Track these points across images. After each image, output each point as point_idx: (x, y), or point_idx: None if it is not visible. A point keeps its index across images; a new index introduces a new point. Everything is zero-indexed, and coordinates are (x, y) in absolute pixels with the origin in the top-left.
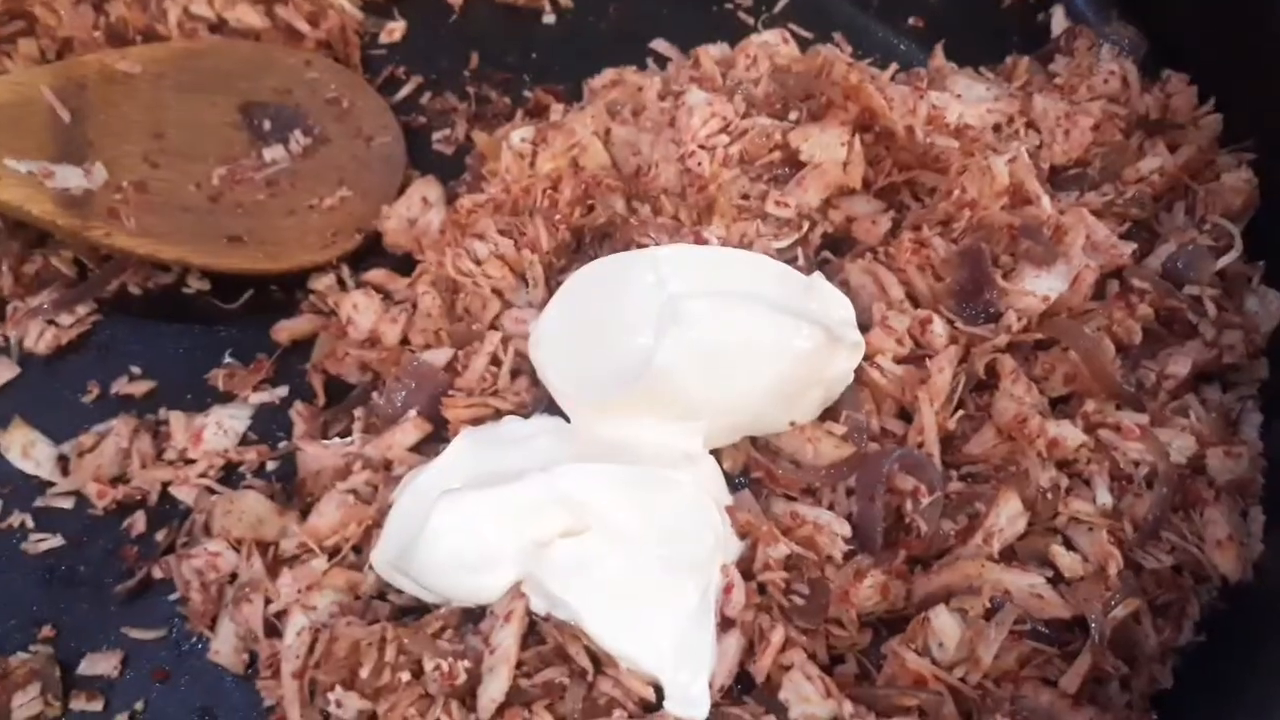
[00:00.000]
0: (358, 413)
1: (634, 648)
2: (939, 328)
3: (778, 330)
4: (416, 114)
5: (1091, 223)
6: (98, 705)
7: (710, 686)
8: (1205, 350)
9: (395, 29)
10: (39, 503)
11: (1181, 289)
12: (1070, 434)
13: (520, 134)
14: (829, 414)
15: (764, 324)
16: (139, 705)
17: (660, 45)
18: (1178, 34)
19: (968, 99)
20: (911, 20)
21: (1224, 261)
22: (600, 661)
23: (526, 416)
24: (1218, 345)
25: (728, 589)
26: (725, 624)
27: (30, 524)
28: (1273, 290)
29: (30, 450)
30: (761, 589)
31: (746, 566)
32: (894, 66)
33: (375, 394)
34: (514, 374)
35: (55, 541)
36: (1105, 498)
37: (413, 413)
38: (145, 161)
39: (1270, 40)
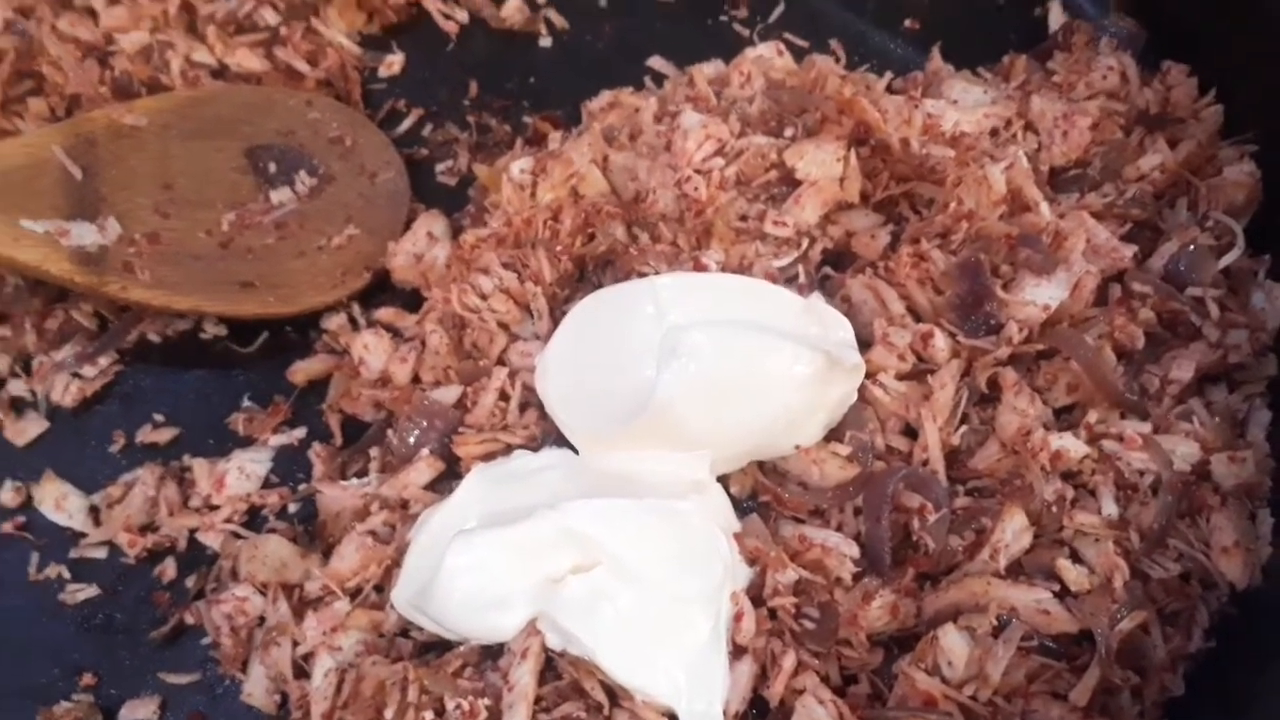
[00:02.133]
0: (374, 452)
1: (648, 679)
2: (941, 342)
3: (778, 358)
4: (419, 146)
5: (1092, 226)
6: None
7: (725, 713)
8: (1209, 352)
9: (394, 62)
10: (74, 554)
11: (1184, 291)
12: (1073, 446)
13: (520, 165)
14: (833, 435)
15: (764, 352)
16: None
17: (657, 62)
18: (1177, 23)
19: (964, 104)
20: (907, 23)
21: (1226, 260)
22: (616, 695)
23: (536, 449)
24: (1222, 346)
25: (738, 617)
26: (737, 651)
27: (67, 575)
28: (1278, 285)
29: (63, 503)
30: (772, 614)
31: (756, 593)
32: (889, 75)
33: (390, 432)
34: (523, 407)
35: (91, 591)
36: (1110, 508)
37: (425, 452)
38: (156, 213)
39: (1271, 26)
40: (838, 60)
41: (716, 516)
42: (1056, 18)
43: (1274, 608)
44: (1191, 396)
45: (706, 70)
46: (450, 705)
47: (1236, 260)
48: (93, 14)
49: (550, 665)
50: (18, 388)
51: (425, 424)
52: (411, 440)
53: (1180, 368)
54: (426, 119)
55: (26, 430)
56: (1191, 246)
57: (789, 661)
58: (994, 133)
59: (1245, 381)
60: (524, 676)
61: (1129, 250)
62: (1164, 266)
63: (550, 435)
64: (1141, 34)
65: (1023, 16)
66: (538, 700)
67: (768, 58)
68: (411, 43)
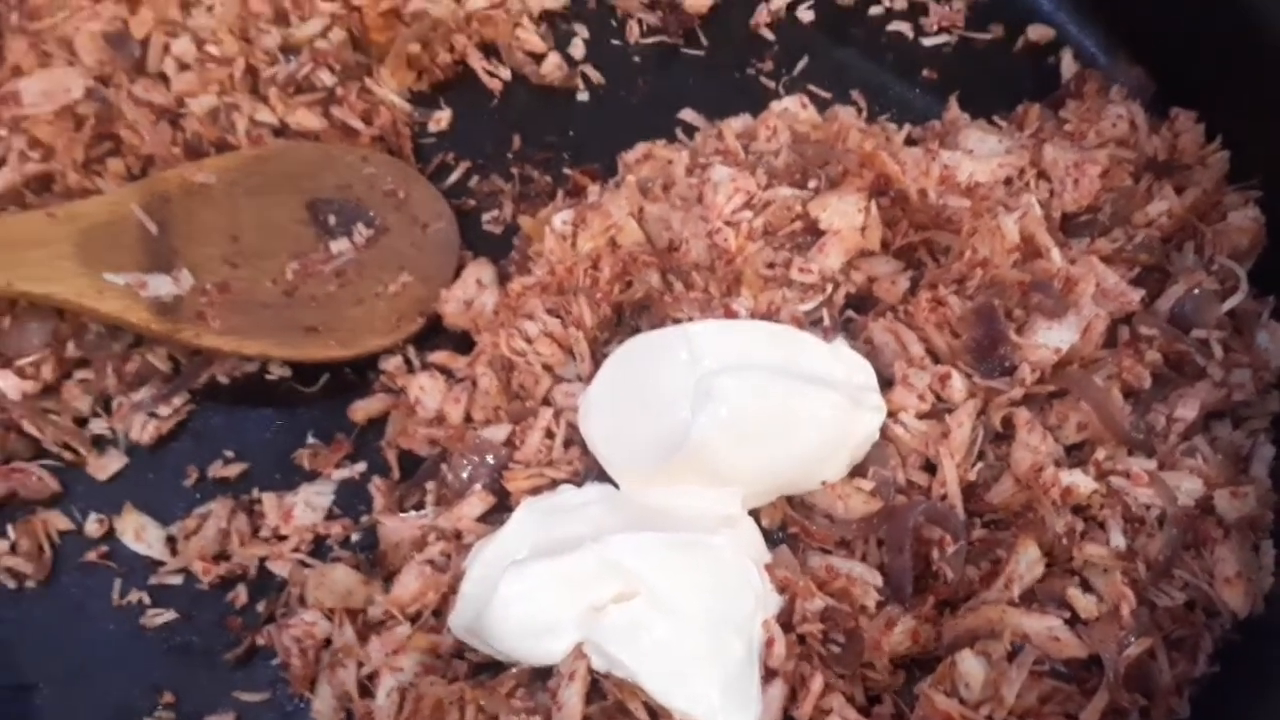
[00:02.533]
0: (429, 485)
1: (686, 701)
2: (958, 383)
3: (804, 401)
4: (466, 197)
5: (1101, 271)
6: None
7: None
8: (1214, 391)
9: (442, 118)
10: (153, 580)
11: (1189, 333)
12: (1083, 482)
13: (561, 217)
14: (857, 471)
15: (791, 395)
16: None
17: (688, 115)
18: (1185, 72)
19: (979, 153)
20: (926, 72)
21: (1231, 303)
22: (657, 714)
23: (580, 484)
24: (1226, 385)
25: (769, 643)
26: (769, 674)
27: (147, 600)
28: None
29: (142, 534)
30: (801, 640)
31: (786, 619)
32: (908, 126)
33: (444, 467)
34: (566, 444)
35: (169, 615)
36: (1119, 540)
37: (478, 486)
38: (225, 263)
39: (1276, 75)
40: (860, 110)
41: (748, 548)
42: (1069, 67)
43: (1276, 634)
44: (1196, 434)
45: (735, 125)
46: None
47: (1241, 302)
48: (165, 79)
49: (596, 686)
50: (99, 426)
51: (477, 460)
52: (465, 475)
53: (1185, 406)
54: (473, 171)
55: (108, 466)
56: (1196, 290)
57: (817, 684)
58: (1008, 181)
59: (1249, 418)
60: (571, 697)
61: (1137, 294)
62: (1170, 309)
63: (593, 471)
64: (1150, 83)
65: (1037, 66)
66: (585, 719)
67: (793, 111)
68: (458, 99)
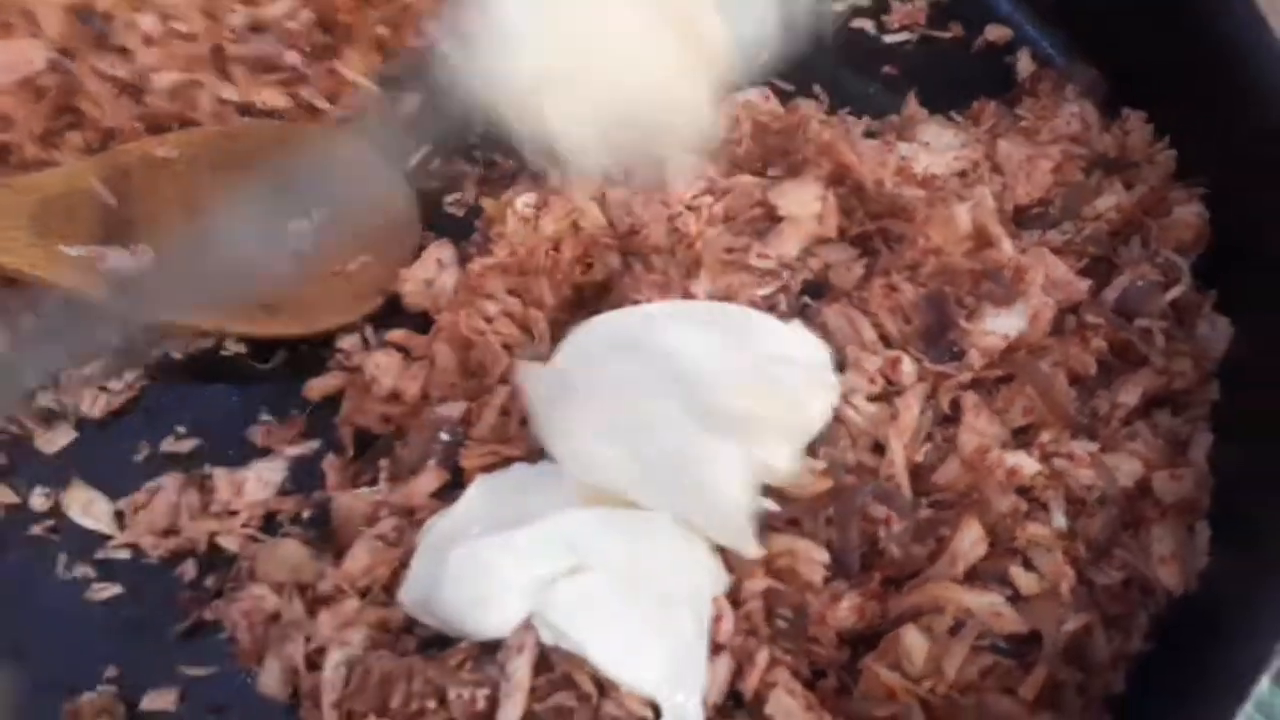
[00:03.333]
0: (383, 463)
1: (633, 674)
2: (908, 367)
3: (756, 373)
4: (428, 179)
5: (1051, 262)
6: None
7: (704, 705)
8: (1156, 378)
9: (408, 101)
10: (99, 555)
11: (1133, 322)
12: (1027, 463)
13: (524, 199)
14: (809, 451)
15: (745, 363)
16: None
17: None
18: (1135, 72)
19: (936, 147)
20: (886, 69)
21: (1173, 294)
22: (604, 686)
23: (534, 462)
24: (1168, 373)
25: (718, 619)
26: (716, 649)
27: (92, 574)
28: (1223, 318)
29: (90, 508)
30: (748, 616)
31: (735, 595)
32: (867, 118)
33: (398, 444)
34: (522, 422)
35: (115, 589)
36: (1060, 521)
37: (432, 463)
38: (184, 239)
39: (1221, 78)
40: (821, 104)
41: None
42: (1025, 66)
43: (1208, 613)
44: (1138, 419)
45: None
46: (452, 695)
47: (1184, 294)
48: (129, 54)
49: (544, 659)
50: (47, 399)
51: (431, 436)
52: (419, 453)
53: (1128, 393)
54: (435, 154)
55: (55, 440)
56: (1141, 281)
57: (762, 658)
58: (963, 174)
59: (1189, 406)
60: (520, 669)
61: (1084, 284)
62: (1116, 299)
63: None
64: (1103, 84)
65: (994, 64)
66: (532, 691)
67: (755, 102)
68: (421, 82)
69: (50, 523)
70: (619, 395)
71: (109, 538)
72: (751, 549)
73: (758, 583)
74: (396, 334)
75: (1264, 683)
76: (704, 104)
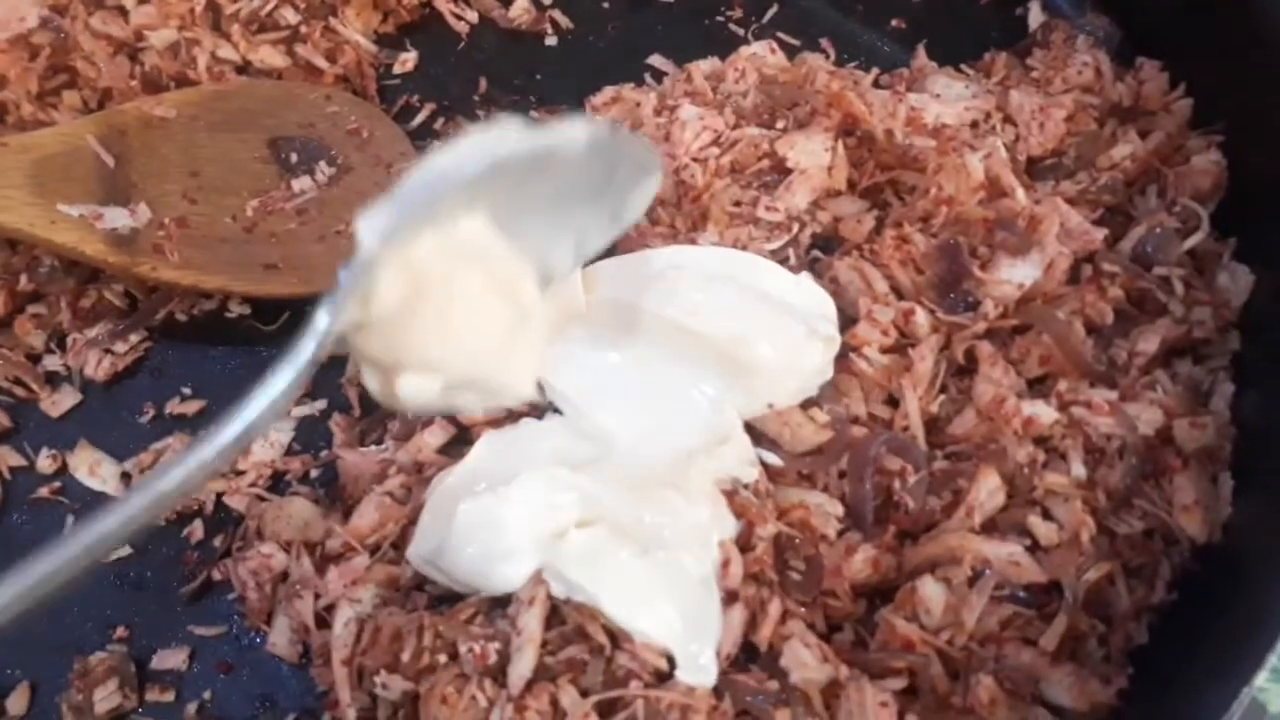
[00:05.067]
0: (390, 424)
1: (646, 624)
2: (921, 318)
3: (759, 317)
4: (431, 139)
5: (1065, 211)
6: (169, 696)
7: (718, 656)
8: (1174, 327)
9: (408, 59)
10: None
11: (1151, 270)
12: (1044, 412)
13: None
14: (811, 403)
15: (747, 308)
16: (207, 695)
17: (656, 60)
18: (1150, 21)
19: (946, 98)
20: (894, 22)
21: (1191, 242)
22: (617, 638)
23: (540, 417)
24: (1187, 322)
25: (725, 564)
26: (730, 598)
27: None
28: (1242, 266)
29: (96, 469)
30: (757, 561)
31: (744, 541)
32: (876, 70)
33: None
34: None
35: (123, 550)
36: (1079, 470)
37: (438, 419)
38: (184, 199)
39: (1237, 23)
40: (828, 58)
41: (740, 465)
42: (1036, 17)
43: (1231, 563)
44: (1157, 368)
45: (703, 67)
46: (463, 649)
47: (1203, 243)
48: (123, 12)
49: (555, 612)
50: (53, 362)
51: None
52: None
53: (1146, 341)
54: (438, 113)
55: (61, 402)
56: (1158, 229)
57: (775, 608)
58: (974, 125)
59: (1209, 356)
60: (531, 622)
61: (1100, 233)
62: (1132, 248)
63: (553, 404)
64: (1116, 32)
65: (1004, 16)
66: (544, 644)
67: (761, 55)
68: (424, 41)
69: (57, 484)
70: (618, 335)
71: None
72: (751, 474)
73: (768, 528)
74: None
75: None
76: (528, 366)
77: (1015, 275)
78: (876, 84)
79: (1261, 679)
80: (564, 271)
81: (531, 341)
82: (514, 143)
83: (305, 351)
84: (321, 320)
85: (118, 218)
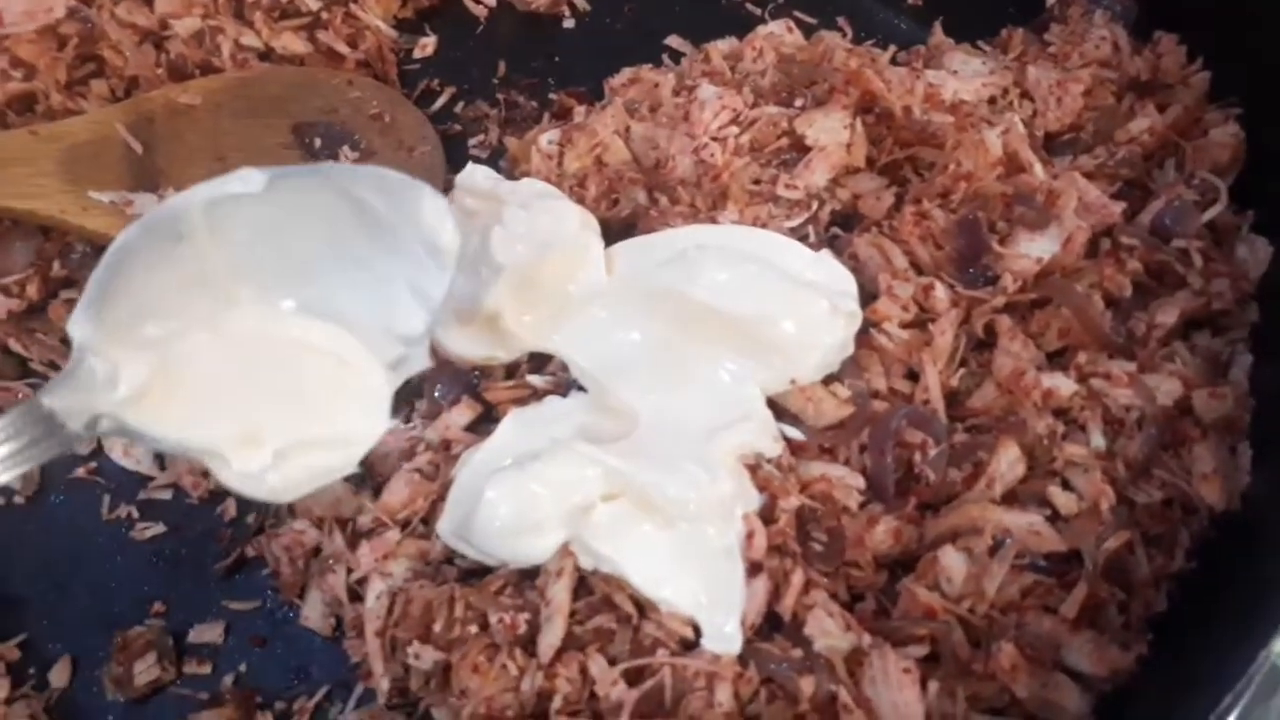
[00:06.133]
0: (418, 402)
1: (672, 594)
2: (941, 293)
3: (781, 294)
4: (452, 122)
5: (1083, 185)
6: (206, 669)
7: (742, 625)
8: (1193, 299)
9: (427, 44)
10: (142, 495)
11: (1169, 243)
12: (1064, 384)
13: (548, 137)
14: (833, 378)
15: (770, 286)
16: (242, 667)
17: (674, 41)
18: None
19: (964, 74)
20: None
21: (1210, 214)
22: (643, 607)
23: (565, 395)
24: (1205, 294)
25: (749, 535)
26: (753, 569)
27: (136, 514)
28: (1261, 238)
29: (130, 450)
30: (781, 533)
31: (768, 514)
32: (893, 48)
33: (426, 385)
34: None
35: (159, 528)
36: (1099, 441)
37: (466, 397)
38: None
39: None
40: (845, 36)
41: (764, 440)
42: None
43: (1251, 532)
44: (1177, 340)
45: (721, 46)
46: (494, 619)
47: (1221, 215)
48: (148, 1)
49: (583, 583)
50: None
51: (454, 378)
52: (437, 394)
53: (1165, 313)
54: (459, 97)
55: None
56: (1177, 202)
57: (798, 578)
58: (992, 100)
59: (1228, 328)
60: (560, 593)
61: (1118, 206)
62: (1151, 221)
63: (576, 382)
64: (1133, 6)
65: None
66: (572, 614)
67: (778, 34)
68: (443, 26)
69: (93, 465)
70: (641, 313)
71: (150, 479)
72: (775, 448)
73: (791, 500)
74: None
75: None
76: (371, 416)
77: (1034, 249)
78: (894, 61)
79: None
80: (419, 329)
81: (367, 393)
82: (178, 200)
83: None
84: (41, 400)
85: (147, 204)
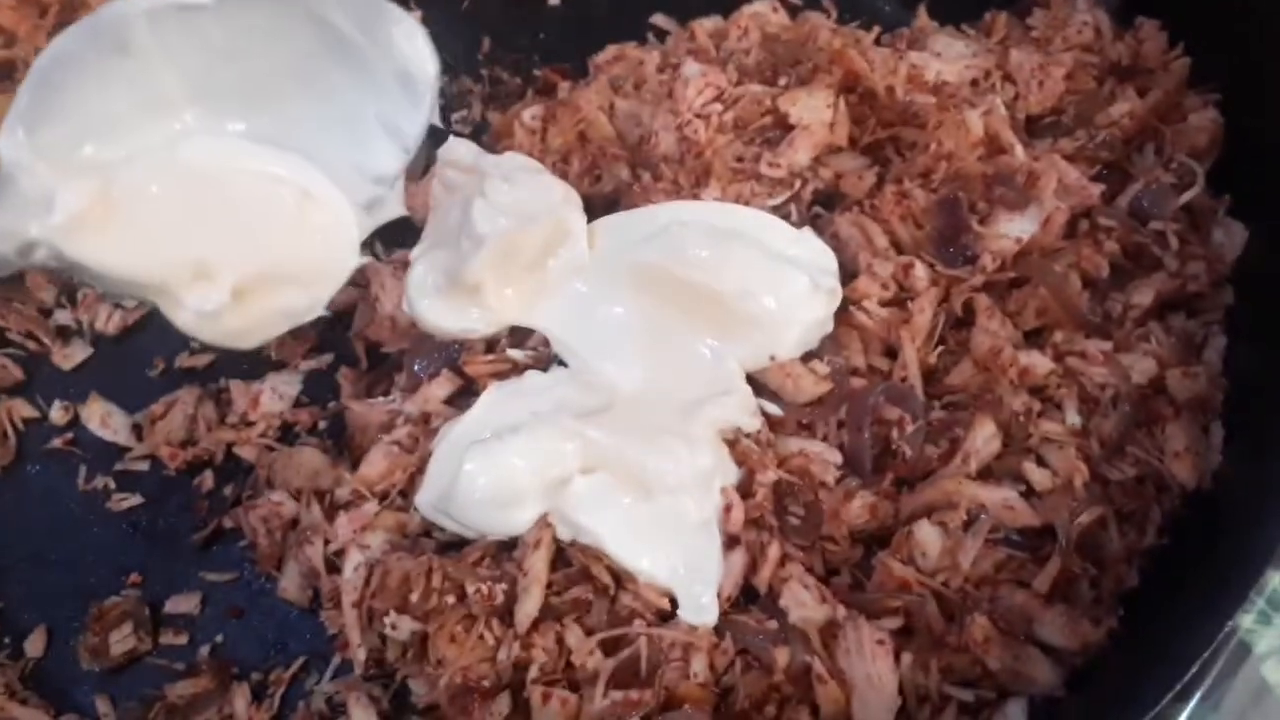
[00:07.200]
0: (397, 376)
1: (649, 565)
2: (920, 272)
3: (762, 270)
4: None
5: (1063, 167)
6: (183, 639)
7: (719, 596)
8: (1169, 281)
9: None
10: (119, 466)
11: (1147, 225)
12: (1040, 362)
13: (531, 112)
14: (812, 355)
15: (751, 262)
16: (219, 638)
17: (659, 19)
18: None
19: (947, 56)
20: None
21: (1187, 197)
22: (621, 579)
23: (545, 369)
24: (1181, 276)
25: (727, 509)
26: (730, 542)
27: (112, 485)
28: (1237, 222)
29: (108, 420)
30: (758, 507)
31: (745, 488)
32: (878, 29)
33: (405, 360)
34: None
35: (135, 499)
36: (1074, 418)
37: (445, 370)
38: None
39: None
40: (829, 17)
41: (743, 415)
42: None
43: (1221, 510)
44: (1152, 320)
45: (706, 25)
46: (471, 590)
47: (1198, 199)
48: None
49: (561, 554)
50: (64, 317)
51: (434, 354)
52: (417, 367)
53: (1141, 294)
54: (442, 73)
55: (73, 355)
56: (1155, 185)
57: (774, 551)
58: (974, 82)
59: (1203, 310)
60: (537, 563)
61: (1097, 188)
62: (1129, 203)
63: (556, 356)
64: None
65: None
66: (549, 585)
67: (764, 13)
68: (428, 2)
69: (70, 435)
70: (623, 288)
71: (128, 449)
72: (754, 423)
73: (769, 475)
74: (402, 254)
75: (1275, 577)
76: (340, 248)
77: (1013, 229)
78: (878, 43)
79: (1248, 621)
80: (393, 168)
81: (334, 228)
82: (118, 3)
83: None
84: None
85: None
